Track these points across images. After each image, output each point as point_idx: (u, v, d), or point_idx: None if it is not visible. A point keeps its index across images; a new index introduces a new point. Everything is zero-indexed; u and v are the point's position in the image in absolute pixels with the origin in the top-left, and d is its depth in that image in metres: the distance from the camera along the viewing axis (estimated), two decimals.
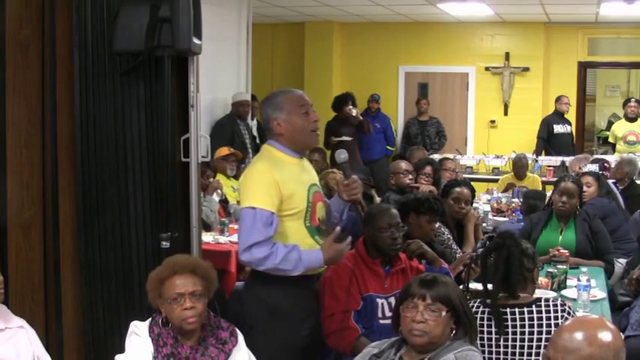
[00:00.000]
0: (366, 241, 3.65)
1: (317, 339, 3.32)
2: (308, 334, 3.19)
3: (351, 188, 3.23)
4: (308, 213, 3.13)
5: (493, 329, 2.82)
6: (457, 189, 5.00)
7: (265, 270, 3.04)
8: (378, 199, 6.13)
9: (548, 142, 9.49)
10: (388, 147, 9.93)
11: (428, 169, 6.25)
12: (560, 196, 4.93)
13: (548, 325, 2.75)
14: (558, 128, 9.50)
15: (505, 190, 7.64)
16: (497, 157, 9.15)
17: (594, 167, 6.41)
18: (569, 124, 9.63)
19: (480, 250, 3.32)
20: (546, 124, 9.53)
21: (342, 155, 3.33)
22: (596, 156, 8.02)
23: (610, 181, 6.23)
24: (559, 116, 9.57)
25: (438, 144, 9.89)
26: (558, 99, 9.59)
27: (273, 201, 3.02)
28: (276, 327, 3.08)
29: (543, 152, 9.44)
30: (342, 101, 9.27)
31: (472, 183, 9.12)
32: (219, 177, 6.70)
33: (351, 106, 9.10)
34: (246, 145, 7.74)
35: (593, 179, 5.76)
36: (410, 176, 5.87)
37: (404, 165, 5.98)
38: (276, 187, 3.02)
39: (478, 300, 2.94)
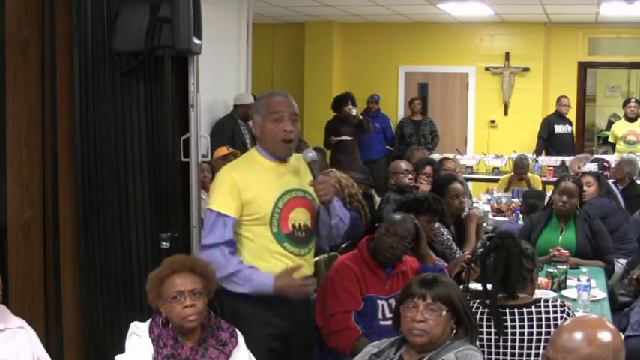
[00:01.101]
0: (369, 242, 3.67)
1: (294, 342, 3.20)
2: (275, 339, 3.11)
3: (318, 189, 3.11)
4: (274, 219, 3.06)
5: (493, 330, 2.82)
6: (452, 186, 5.00)
7: (218, 277, 3.01)
8: (378, 199, 6.14)
9: (548, 142, 9.48)
10: (388, 147, 9.93)
11: (428, 169, 6.25)
12: (561, 196, 4.93)
13: (547, 326, 2.75)
14: (559, 128, 9.48)
15: (507, 188, 7.62)
16: (497, 157, 9.13)
17: (593, 167, 6.40)
18: (570, 124, 9.62)
19: (480, 250, 3.32)
20: (547, 124, 9.52)
21: (309, 154, 3.16)
22: (595, 156, 8.01)
23: (610, 181, 6.23)
24: (560, 116, 9.56)
25: (432, 144, 9.89)
26: (558, 100, 9.59)
27: (232, 204, 3.03)
28: (241, 330, 2.95)
29: (544, 152, 9.43)
30: (341, 101, 9.27)
31: (472, 183, 9.13)
32: None
33: (350, 106, 9.10)
34: (247, 145, 7.72)
35: (594, 179, 5.75)
36: (410, 176, 5.87)
37: (404, 165, 5.97)
38: (236, 191, 3.03)
39: (478, 300, 2.94)
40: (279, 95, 3.16)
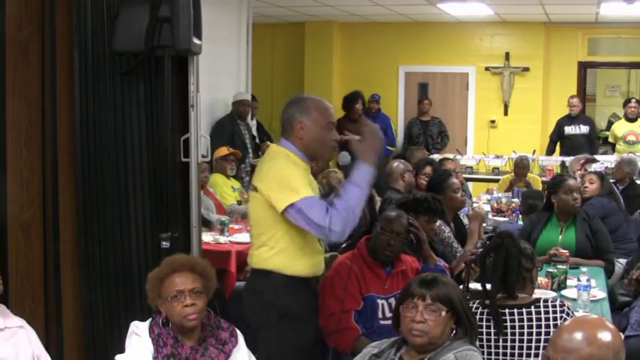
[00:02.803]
0: (368, 242, 3.68)
1: (320, 338, 3.35)
2: (315, 334, 3.22)
3: None
4: None
5: (492, 330, 2.82)
6: (451, 180, 5.00)
7: (352, 223, 3.05)
8: (378, 199, 6.13)
9: (560, 143, 9.37)
10: (388, 147, 9.93)
11: (428, 169, 6.25)
12: (571, 194, 4.88)
13: (547, 326, 2.75)
14: (569, 129, 9.30)
15: (508, 189, 7.62)
16: (497, 157, 9.12)
17: (599, 166, 6.38)
18: (585, 124, 9.35)
19: (480, 250, 3.33)
20: (557, 126, 9.38)
21: (345, 158, 3.37)
22: (595, 156, 8.00)
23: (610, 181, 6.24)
24: (570, 117, 9.36)
25: (441, 144, 9.87)
26: (568, 100, 9.46)
27: (310, 189, 3.09)
28: (288, 330, 3.07)
29: (558, 153, 9.31)
30: (351, 100, 9.35)
31: (472, 183, 9.11)
32: (219, 177, 6.69)
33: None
34: (246, 144, 7.76)
35: (597, 177, 5.77)
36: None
37: (405, 164, 5.98)
38: (308, 179, 3.12)
39: (477, 300, 2.94)
40: (327, 102, 3.27)
